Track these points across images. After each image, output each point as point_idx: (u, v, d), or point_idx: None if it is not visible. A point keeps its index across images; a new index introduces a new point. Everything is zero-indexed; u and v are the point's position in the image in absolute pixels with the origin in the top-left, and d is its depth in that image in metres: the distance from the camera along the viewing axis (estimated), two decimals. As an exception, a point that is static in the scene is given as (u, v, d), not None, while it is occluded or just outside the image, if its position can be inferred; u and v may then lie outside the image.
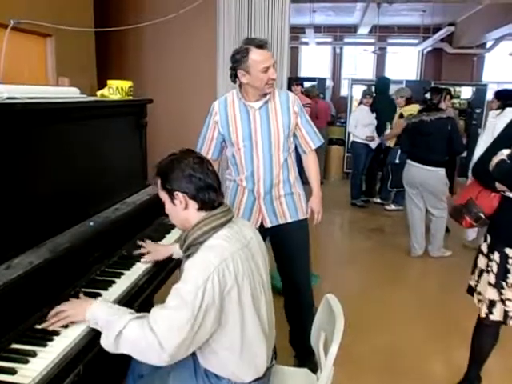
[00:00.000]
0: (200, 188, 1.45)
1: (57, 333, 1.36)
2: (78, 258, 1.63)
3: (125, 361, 1.72)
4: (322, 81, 9.73)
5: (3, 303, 1.28)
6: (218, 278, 1.33)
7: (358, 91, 7.49)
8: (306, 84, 8.23)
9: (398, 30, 11.61)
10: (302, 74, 12.61)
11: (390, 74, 11.26)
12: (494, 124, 3.60)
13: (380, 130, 6.00)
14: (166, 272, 1.99)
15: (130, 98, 2.31)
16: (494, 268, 2.02)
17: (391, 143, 5.77)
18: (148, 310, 1.38)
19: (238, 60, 2.12)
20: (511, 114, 3.31)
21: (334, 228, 5.65)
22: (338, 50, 12.76)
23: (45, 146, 1.67)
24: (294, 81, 6.94)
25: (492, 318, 2.06)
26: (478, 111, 8.24)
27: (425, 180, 4.14)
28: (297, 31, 10.57)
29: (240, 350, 1.45)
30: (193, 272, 1.35)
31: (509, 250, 1.98)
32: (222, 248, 1.39)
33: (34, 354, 1.25)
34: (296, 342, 2.58)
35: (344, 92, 11.83)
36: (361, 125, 6.04)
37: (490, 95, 7.63)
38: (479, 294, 2.13)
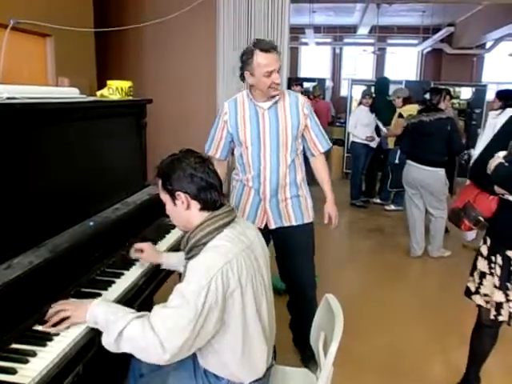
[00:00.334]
0: (202, 188, 1.44)
1: (56, 333, 1.36)
2: (77, 257, 1.63)
3: (125, 360, 1.72)
4: (321, 81, 9.75)
5: (3, 303, 1.28)
6: (222, 279, 1.32)
7: (357, 91, 7.49)
8: (306, 84, 8.24)
9: (398, 30, 11.64)
10: (302, 74, 12.64)
11: (389, 74, 11.28)
12: (493, 124, 3.60)
13: (379, 130, 6.00)
14: (165, 272, 1.99)
15: (130, 98, 2.31)
16: (498, 271, 2.02)
17: (390, 144, 5.78)
18: (148, 310, 1.38)
19: (245, 61, 2.14)
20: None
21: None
22: (337, 51, 12.79)
23: (44, 146, 1.67)
24: (294, 81, 6.95)
25: (500, 318, 2.06)
26: (477, 111, 8.26)
27: (424, 180, 4.14)
28: (296, 31, 10.59)
29: (241, 351, 1.44)
30: (196, 272, 1.34)
31: (510, 252, 1.98)
32: (226, 249, 1.38)
33: (33, 354, 1.25)
34: (300, 341, 2.59)
35: (344, 92, 11.85)
36: (360, 125, 6.04)
37: (489, 95, 7.65)
38: (485, 295, 2.12)
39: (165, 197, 1.49)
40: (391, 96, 5.86)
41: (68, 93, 2.08)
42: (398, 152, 5.35)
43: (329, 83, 11.15)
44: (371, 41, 11.94)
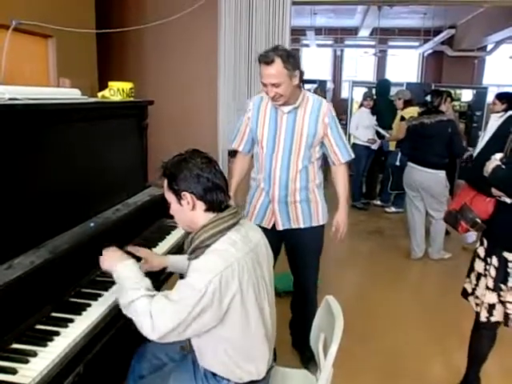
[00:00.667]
0: (208, 188, 1.43)
1: (57, 333, 1.36)
2: (78, 258, 1.64)
3: (125, 361, 1.72)
4: (322, 83, 9.73)
5: (4, 303, 1.28)
6: (221, 282, 1.32)
7: (358, 93, 7.50)
8: (307, 86, 8.24)
9: (399, 32, 11.65)
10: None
11: (390, 76, 11.27)
12: (495, 127, 3.59)
13: (380, 133, 5.99)
14: (167, 273, 1.98)
15: (131, 99, 2.32)
16: (492, 272, 2.02)
17: (391, 146, 5.78)
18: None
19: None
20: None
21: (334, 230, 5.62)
22: (338, 52, 12.79)
23: (46, 147, 1.67)
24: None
25: (493, 319, 2.07)
26: (478, 114, 8.27)
27: (425, 182, 4.14)
28: (298, 33, 10.60)
29: (242, 352, 1.45)
30: (196, 273, 1.35)
31: (507, 254, 1.98)
32: (227, 253, 1.38)
33: (34, 354, 1.26)
34: (299, 342, 2.59)
35: (344, 94, 11.84)
36: (362, 127, 6.04)
37: (490, 98, 7.64)
38: (477, 297, 2.13)
39: (170, 197, 1.49)
40: (393, 96, 5.86)
41: (69, 94, 2.09)
42: (399, 154, 5.35)
43: (330, 85, 11.14)
44: (372, 43, 11.95)
